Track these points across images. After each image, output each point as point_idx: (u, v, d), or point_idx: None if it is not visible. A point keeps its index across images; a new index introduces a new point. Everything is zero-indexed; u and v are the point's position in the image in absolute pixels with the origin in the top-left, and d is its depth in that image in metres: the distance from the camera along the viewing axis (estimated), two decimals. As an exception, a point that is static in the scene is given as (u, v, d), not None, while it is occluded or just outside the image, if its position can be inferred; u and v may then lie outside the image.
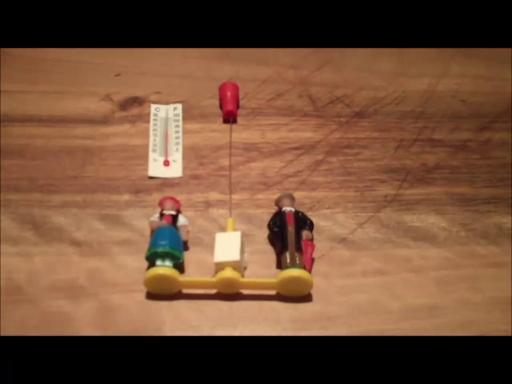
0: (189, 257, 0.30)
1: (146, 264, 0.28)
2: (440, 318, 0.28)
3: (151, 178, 0.33)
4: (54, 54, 0.38)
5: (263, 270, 0.29)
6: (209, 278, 0.28)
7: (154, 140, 0.35)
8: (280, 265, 0.29)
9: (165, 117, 0.36)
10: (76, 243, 0.30)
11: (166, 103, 0.36)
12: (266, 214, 0.31)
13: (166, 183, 0.33)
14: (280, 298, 0.29)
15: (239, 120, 0.36)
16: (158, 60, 0.38)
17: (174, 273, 0.28)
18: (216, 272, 0.28)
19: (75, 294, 0.28)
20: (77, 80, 0.37)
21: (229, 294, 0.28)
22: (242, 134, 0.35)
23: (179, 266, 0.29)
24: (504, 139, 0.36)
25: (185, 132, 0.35)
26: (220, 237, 0.29)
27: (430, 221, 0.32)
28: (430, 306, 0.29)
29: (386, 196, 0.33)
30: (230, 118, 0.36)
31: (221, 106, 0.36)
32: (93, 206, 0.31)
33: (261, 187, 0.33)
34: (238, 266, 0.28)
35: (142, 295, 0.28)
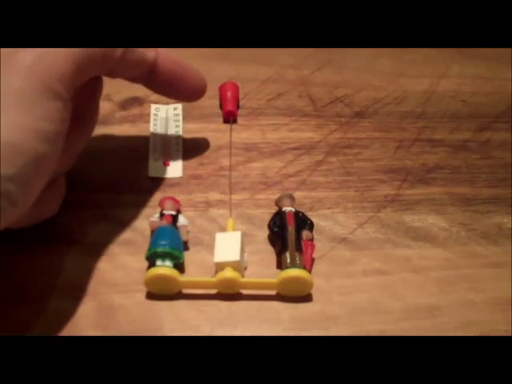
0: (189, 257, 0.30)
1: (146, 264, 0.28)
2: (440, 318, 0.28)
3: (151, 178, 0.33)
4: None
5: (263, 270, 0.29)
6: (209, 278, 0.28)
7: (154, 140, 0.35)
8: (280, 265, 0.29)
9: (165, 117, 0.36)
10: (76, 243, 0.30)
11: (166, 103, 0.36)
12: (266, 214, 0.31)
13: (166, 183, 0.33)
14: (280, 297, 0.29)
15: (239, 120, 0.36)
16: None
17: (174, 273, 0.28)
18: (216, 272, 0.28)
19: (75, 293, 0.28)
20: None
21: (229, 294, 0.28)
22: (242, 134, 0.35)
23: (179, 266, 0.29)
24: (504, 139, 0.36)
25: (185, 132, 0.35)
26: (220, 237, 0.29)
27: (430, 221, 0.32)
28: (430, 306, 0.29)
29: (386, 196, 0.33)
30: (230, 118, 0.36)
31: (221, 106, 0.36)
32: (93, 206, 0.31)
33: (261, 187, 0.33)
34: (239, 266, 0.28)
35: (142, 295, 0.28)
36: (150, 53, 0.29)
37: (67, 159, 0.29)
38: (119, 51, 0.27)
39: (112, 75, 0.29)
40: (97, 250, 0.30)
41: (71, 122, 0.26)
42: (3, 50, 0.24)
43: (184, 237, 0.30)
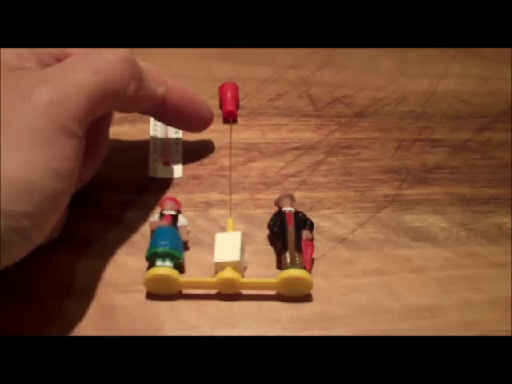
0: (189, 257, 0.30)
1: (146, 264, 0.28)
2: (440, 318, 0.28)
3: (151, 178, 0.33)
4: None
5: (263, 270, 0.29)
6: (209, 278, 0.28)
7: (154, 140, 0.35)
8: (280, 265, 0.29)
9: (165, 117, 0.36)
10: (76, 243, 0.30)
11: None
12: (266, 214, 0.31)
13: (166, 183, 0.33)
14: (280, 297, 0.29)
15: (239, 120, 0.36)
16: (157, 60, 0.38)
17: (174, 273, 0.28)
18: (216, 272, 0.28)
19: (75, 294, 0.28)
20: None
21: (229, 294, 0.28)
22: (242, 134, 0.35)
23: (179, 266, 0.29)
24: (504, 139, 0.36)
25: (185, 132, 0.35)
26: (220, 237, 0.29)
27: (430, 221, 0.32)
28: (430, 306, 0.29)
29: (386, 196, 0.33)
30: (230, 118, 0.36)
31: (221, 106, 0.36)
32: (93, 206, 0.31)
33: (261, 187, 0.33)
34: (239, 266, 0.28)
35: (142, 295, 0.28)
36: (160, 88, 0.29)
37: (76, 187, 0.29)
38: (131, 89, 0.27)
39: (123, 110, 0.30)
40: (97, 250, 0.30)
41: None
42: (17, 89, 0.24)
43: (184, 237, 0.30)
